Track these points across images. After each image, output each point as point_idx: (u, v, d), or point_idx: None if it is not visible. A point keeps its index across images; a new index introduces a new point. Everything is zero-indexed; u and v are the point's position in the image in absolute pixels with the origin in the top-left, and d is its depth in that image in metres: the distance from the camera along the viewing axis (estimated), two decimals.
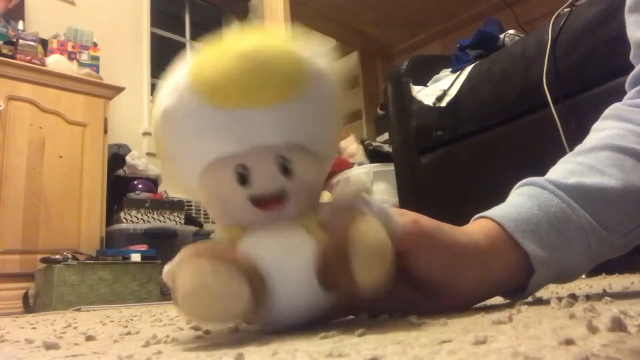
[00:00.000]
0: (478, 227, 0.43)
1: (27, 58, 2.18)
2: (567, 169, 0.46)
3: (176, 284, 0.32)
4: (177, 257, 0.36)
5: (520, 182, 0.48)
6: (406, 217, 0.39)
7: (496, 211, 0.44)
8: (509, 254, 0.41)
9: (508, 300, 0.49)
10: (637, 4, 0.55)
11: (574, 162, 0.47)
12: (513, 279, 0.43)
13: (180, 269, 0.32)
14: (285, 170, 0.34)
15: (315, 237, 0.34)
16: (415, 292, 0.40)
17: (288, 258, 0.34)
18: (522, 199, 0.44)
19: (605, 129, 0.49)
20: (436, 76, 1.61)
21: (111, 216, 2.29)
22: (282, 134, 0.35)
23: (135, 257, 1.97)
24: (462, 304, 0.42)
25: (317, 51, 0.38)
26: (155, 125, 0.38)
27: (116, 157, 2.42)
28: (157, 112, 0.37)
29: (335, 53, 0.40)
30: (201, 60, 0.35)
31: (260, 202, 0.34)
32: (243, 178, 0.34)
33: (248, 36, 0.36)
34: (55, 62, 2.27)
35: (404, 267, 0.38)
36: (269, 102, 0.34)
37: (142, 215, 2.29)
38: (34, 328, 0.70)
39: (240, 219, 0.36)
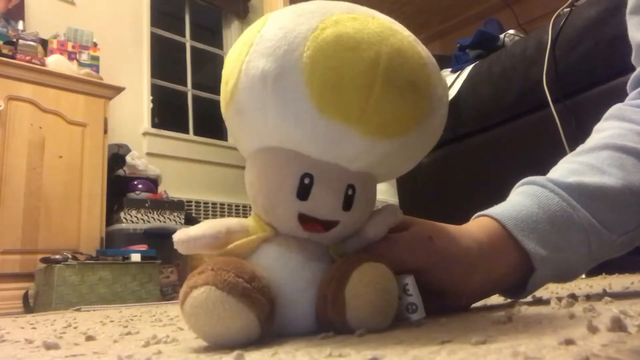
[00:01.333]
0: (479, 226, 0.43)
1: (27, 58, 2.18)
2: (567, 169, 0.46)
3: (185, 299, 0.29)
4: (201, 232, 0.32)
5: (520, 182, 0.48)
6: (421, 232, 0.38)
7: (496, 210, 0.44)
8: (509, 253, 0.41)
9: (508, 300, 0.49)
10: (638, 6, 0.55)
11: (574, 161, 0.47)
12: (513, 277, 0.43)
13: (194, 282, 0.29)
14: (349, 201, 0.32)
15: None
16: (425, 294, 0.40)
17: (309, 292, 0.32)
18: (522, 198, 0.44)
19: (607, 129, 0.49)
20: None
21: (111, 216, 2.29)
22: (369, 165, 0.32)
23: (135, 257, 1.97)
24: (464, 304, 0.42)
25: (438, 72, 0.33)
26: (239, 80, 0.31)
27: (116, 157, 2.42)
28: (249, 69, 0.30)
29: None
30: (325, 39, 0.29)
31: (307, 221, 0.32)
32: (304, 190, 0.31)
33: (385, 32, 0.30)
34: (55, 62, 2.27)
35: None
36: (381, 135, 0.30)
37: (142, 215, 2.29)
38: (34, 328, 0.70)
39: (278, 224, 0.33)
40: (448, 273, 0.38)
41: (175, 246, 0.33)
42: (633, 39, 0.55)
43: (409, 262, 0.36)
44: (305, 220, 0.31)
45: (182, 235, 0.32)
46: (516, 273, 0.42)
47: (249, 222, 0.34)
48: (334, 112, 0.29)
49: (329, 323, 0.31)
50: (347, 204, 0.32)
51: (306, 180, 0.31)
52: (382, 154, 0.32)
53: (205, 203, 2.99)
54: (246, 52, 0.31)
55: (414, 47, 0.32)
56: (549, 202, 0.43)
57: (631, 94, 0.53)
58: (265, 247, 0.33)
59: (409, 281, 0.35)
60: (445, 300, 0.40)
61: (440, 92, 0.33)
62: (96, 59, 2.49)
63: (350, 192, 0.32)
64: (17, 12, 2.44)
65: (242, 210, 3.12)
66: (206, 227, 0.33)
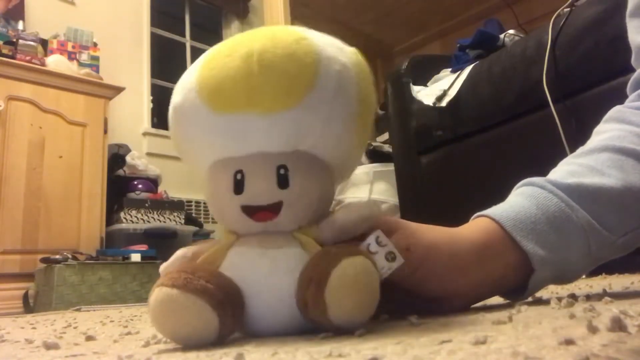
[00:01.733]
0: (476, 227, 0.43)
1: (27, 58, 2.18)
2: (566, 170, 0.46)
3: (150, 301, 0.31)
4: (170, 261, 0.37)
5: (519, 183, 0.48)
6: (398, 243, 0.36)
7: (495, 210, 0.43)
8: (508, 254, 0.41)
9: (508, 301, 0.49)
10: (638, 9, 0.55)
11: (573, 163, 0.47)
12: (512, 278, 0.43)
13: (156, 286, 0.31)
14: (283, 179, 0.33)
15: (310, 252, 0.33)
16: (415, 299, 0.40)
17: (271, 280, 0.32)
18: (520, 199, 0.44)
19: (606, 131, 0.49)
20: (436, 76, 1.61)
21: (111, 216, 2.29)
22: (285, 141, 0.34)
23: (135, 257, 1.97)
24: (463, 305, 0.42)
25: (334, 48, 0.35)
26: (169, 118, 0.38)
27: (116, 157, 2.41)
28: (170, 107, 0.37)
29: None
30: (209, 59, 0.35)
31: (254, 212, 0.33)
32: (238, 185, 0.33)
33: (260, 34, 0.35)
34: (55, 62, 2.27)
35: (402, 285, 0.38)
36: (271, 109, 0.33)
37: (142, 215, 2.29)
38: (34, 328, 0.70)
39: (234, 226, 0.35)
40: (429, 281, 0.38)
41: None
42: (633, 42, 0.55)
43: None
44: (250, 211, 0.33)
45: (161, 269, 0.37)
46: (515, 274, 0.42)
47: (220, 238, 0.37)
48: (225, 106, 0.33)
49: (313, 322, 0.31)
50: (282, 182, 0.33)
51: (238, 176, 0.34)
52: (291, 125, 0.33)
53: (205, 203, 2.98)
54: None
55: (290, 30, 0.35)
56: (548, 202, 0.43)
57: (631, 96, 0.53)
58: (230, 252, 0.35)
59: (380, 234, 0.35)
60: (441, 305, 0.40)
61: (329, 52, 0.34)
62: (96, 59, 2.49)
63: (282, 172, 0.33)
64: (17, 12, 2.44)
65: None
66: (174, 255, 0.38)
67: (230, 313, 0.31)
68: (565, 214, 0.42)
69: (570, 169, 0.46)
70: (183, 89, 0.36)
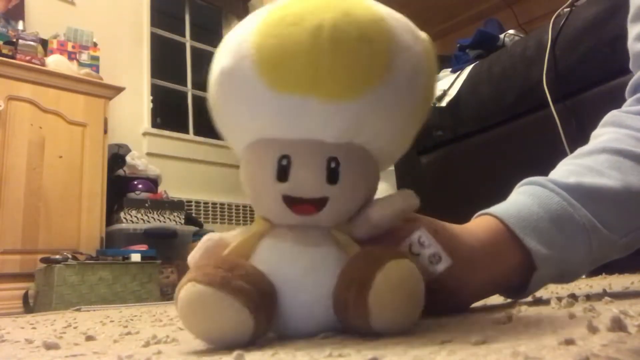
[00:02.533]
0: (481, 225, 0.43)
1: (27, 58, 2.18)
2: (566, 170, 0.46)
3: (180, 296, 0.29)
4: (198, 250, 0.34)
5: (521, 182, 0.48)
6: (426, 225, 0.37)
7: (497, 208, 0.44)
8: (511, 252, 0.41)
9: (508, 300, 0.49)
10: (638, 14, 0.55)
11: (573, 163, 0.47)
12: (514, 276, 0.43)
13: (187, 280, 0.29)
14: (333, 174, 0.30)
15: (347, 252, 0.31)
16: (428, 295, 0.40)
17: (308, 280, 0.30)
18: (522, 197, 0.44)
19: (604, 134, 0.50)
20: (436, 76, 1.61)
21: (111, 216, 2.29)
22: (344, 132, 0.31)
23: (135, 257, 1.97)
24: (467, 303, 0.42)
25: (410, 35, 0.32)
26: (210, 80, 0.34)
27: (116, 157, 2.41)
28: (214, 68, 0.33)
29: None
30: (271, 24, 0.30)
31: (295, 204, 0.31)
32: (283, 172, 0.30)
33: (332, 3, 0.30)
34: (55, 62, 2.27)
35: None
36: (337, 96, 0.29)
37: (142, 215, 2.29)
38: (34, 328, 0.70)
39: (270, 215, 0.33)
40: (451, 269, 0.38)
41: None
42: (631, 49, 0.55)
43: None
44: (292, 202, 0.31)
45: (190, 259, 0.35)
46: (517, 272, 0.42)
47: (252, 225, 0.34)
48: (286, 85, 0.29)
49: (351, 326, 0.30)
50: (332, 177, 0.30)
51: (284, 162, 0.31)
52: (353, 117, 0.30)
53: (205, 203, 2.99)
54: (214, 60, 0.34)
55: (367, 6, 0.31)
56: (550, 201, 0.43)
57: (628, 101, 0.53)
58: (262, 242, 0.32)
59: (422, 233, 0.33)
60: (445, 299, 0.40)
61: (403, 41, 0.31)
62: (96, 59, 2.49)
63: (333, 165, 0.30)
64: (17, 12, 2.44)
65: (242, 210, 3.12)
66: (201, 242, 0.35)
67: (265, 315, 0.29)
68: (567, 213, 0.42)
69: (570, 169, 0.46)
70: (236, 52, 0.31)
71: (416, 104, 0.33)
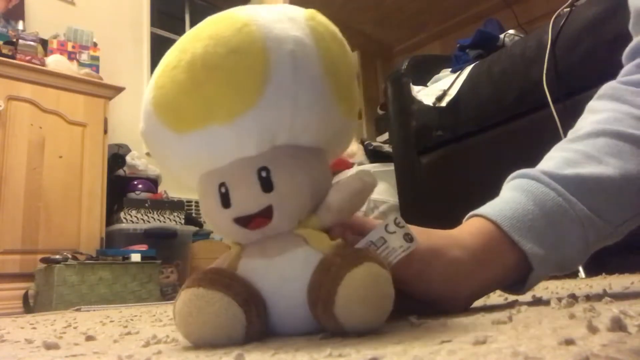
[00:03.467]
0: (474, 229, 0.42)
1: (27, 58, 2.18)
2: (563, 158, 0.45)
3: (176, 304, 0.31)
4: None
5: (513, 174, 0.46)
6: None
7: (491, 209, 0.43)
8: (507, 254, 0.41)
9: (508, 300, 0.49)
10: None
11: (570, 149, 0.46)
12: (511, 276, 0.42)
13: (181, 290, 0.31)
14: (266, 183, 0.31)
15: (316, 246, 0.32)
16: (416, 302, 0.40)
17: (282, 290, 0.32)
18: (516, 194, 0.43)
19: (602, 110, 0.48)
20: (436, 76, 1.61)
21: (111, 216, 2.29)
22: (258, 142, 0.32)
23: (135, 257, 1.97)
24: (463, 306, 0.42)
25: (284, 23, 0.31)
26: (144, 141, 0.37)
27: (116, 157, 2.41)
28: (140, 130, 0.36)
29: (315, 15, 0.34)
30: (159, 75, 0.33)
31: (247, 222, 0.32)
32: (225, 198, 0.32)
33: (204, 31, 0.32)
34: (55, 62, 2.27)
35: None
36: (231, 115, 0.30)
37: (142, 215, 2.29)
38: (34, 328, 0.70)
39: (234, 238, 0.35)
40: (431, 286, 0.38)
41: None
42: (632, 5, 0.52)
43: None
44: (243, 222, 0.32)
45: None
46: (513, 273, 0.42)
47: (231, 250, 0.36)
48: (185, 125, 0.31)
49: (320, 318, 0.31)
50: (266, 186, 0.31)
51: (222, 190, 0.32)
52: (258, 126, 0.31)
53: None
54: None
55: (230, 18, 0.32)
56: (545, 197, 0.42)
57: (627, 67, 0.51)
58: (240, 264, 0.34)
59: (398, 215, 0.35)
60: (442, 306, 0.40)
61: (279, 33, 0.31)
62: (96, 59, 2.49)
63: (264, 174, 0.31)
64: (17, 12, 2.44)
65: None
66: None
67: (256, 312, 0.30)
68: (563, 209, 0.41)
69: (567, 157, 0.45)
70: (144, 113, 0.34)
71: (318, 86, 0.32)
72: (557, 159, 0.45)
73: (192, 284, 0.30)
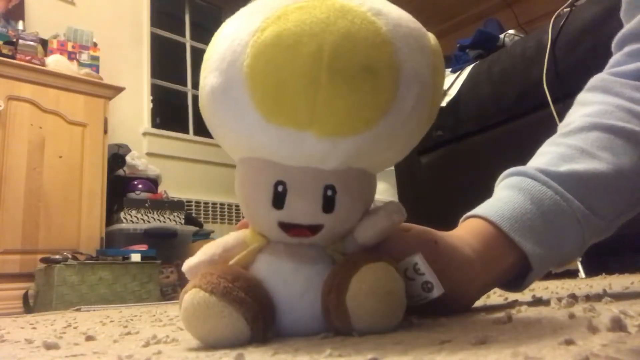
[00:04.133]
0: (474, 232, 0.42)
1: (27, 58, 2.18)
2: (557, 154, 0.45)
3: (184, 300, 0.30)
4: (197, 260, 0.34)
5: (506, 172, 0.46)
6: (426, 235, 0.37)
7: (489, 210, 0.42)
8: (508, 255, 0.41)
9: (508, 300, 0.49)
10: None
11: (563, 144, 0.46)
12: (509, 275, 0.43)
13: (191, 286, 0.30)
14: (329, 203, 0.30)
15: None
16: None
17: (305, 299, 0.31)
18: (513, 193, 0.43)
19: (592, 103, 0.48)
20: None
21: (111, 216, 2.29)
22: (342, 162, 0.30)
23: (135, 257, 1.97)
24: (465, 306, 0.42)
25: (418, 54, 0.29)
26: (200, 90, 0.32)
27: (116, 157, 2.41)
28: (205, 81, 0.30)
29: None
30: (265, 42, 0.27)
31: (291, 229, 0.31)
32: (278, 199, 0.30)
33: (332, 21, 0.27)
34: (55, 62, 2.27)
35: None
36: (335, 133, 0.28)
37: (142, 215, 2.29)
38: (34, 328, 0.70)
39: (266, 234, 0.33)
40: (450, 281, 0.37)
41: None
42: None
43: None
44: (287, 227, 0.31)
45: (185, 267, 0.34)
46: (512, 271, 0.42)
47: (247, 234, 0.35)
48: (282, 120, 0.27)
49: (336, 330, 0.31)
50: (328, 206, 0.30)
51: (279, 188, 0.30)
52: (353, 151, 0.29)
53: (205, 203, 2.99)
54: (204, 66, 0.31)
55: (369, 24, 0.27)
56: (542, 196, 0.42)
57: (616, 56, 0.50)
58: (260, 258, 0.33)
59: (418, 260, 0.33)
60: (446, 306, 0.40)
61: (410, 67, 0.28)
62: (96, 59, 2.49)
63: (329, 193, 0.30)
64: (17, 12, 2.44)
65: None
66: (201, 252, 0.34)
67: (263, 327, 0.30)
68: (560, 208, 0.42)
69: (560, 152, 0.45)
70: (227, 71, 0.28)
71: (423, 124, 0.32)
72: (551, 154, 0.45)
73: (205, 285, 0.29)
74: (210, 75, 0.30)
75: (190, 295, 0.29)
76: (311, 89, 0.26)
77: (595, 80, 0.50)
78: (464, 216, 0.45)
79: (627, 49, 0.50)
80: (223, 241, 0.35)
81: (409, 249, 0.35)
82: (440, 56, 0.32)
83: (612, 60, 0.51)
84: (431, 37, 0.32)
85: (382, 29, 0.28)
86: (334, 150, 0.29)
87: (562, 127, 0.48)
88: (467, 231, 0.42)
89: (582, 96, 0.50)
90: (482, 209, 0.43)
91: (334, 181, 0.30)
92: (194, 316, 0.29)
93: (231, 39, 0.29)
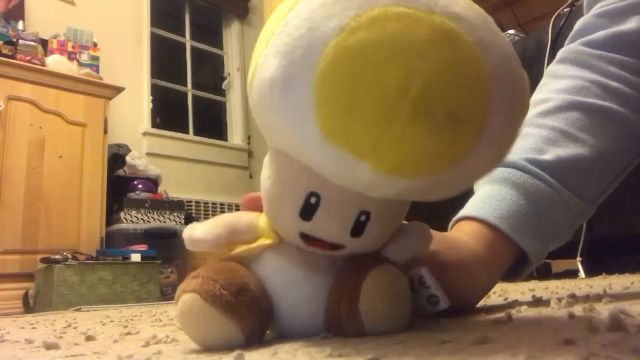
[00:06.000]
0: (477, 237, 0.41)
1: (27, 58, 2.18)
2: (540, 137, 0.44)
3: (177, 300, 0.30)
4: (201, 233, 0.32)
5: None
6: (436, 258, 0.36)
7: (486, 210, 0.42)
8: (507, 253, 0.42)
9: (508, 300, 0.49)
10: None
11: (544, 126, 0.45)
12: (508, 268, 0.43)
13: (189, 288, 0.29)
14: (359, 228, 0.28)
15: None
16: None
17: (311, 307, 0.31)
18: (504, 189, 0.43)
19: (566, 77, 0.48)
20: None
21: (111, 216, 2.29)
22: (390, 196, 0.27)
23: (135, 257, 1.97)
24: (465, 308, 0.42)
25: (509, 86, 0.25)
26: (252, 74, 0.26)
27: (116, 157, 2.41)
28: (261, 66, 0.25)
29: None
30: (348, 47, 0.22)
31: (311, 240, 0.29)
32: (308, 210, 0.28)
33: (433, 45, 0.22)
34: (55, 62, 2.27)
35: None
36: (398, 175, 0.24)
37: (142, 215, 2.29)
38: (34, 328, 0.70)
39: (283, 235, 0.31)
40: (456, 295, 0.36)
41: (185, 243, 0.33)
42: None
43: None
44: (308, 239, 0.30)
45: (186, 235, 0.32)
46: (509, 266, 0.43)
47: (260, 222, 0.33)
48: (342, 142, 0.23)
49: (340, 327, 0.30)
50: (357, 230, 0.29)
51: (312, 200, 0.28)
52: (405, 191, 0.26)
53: (205, 203, 2.99)
54: (266, 41, 0.25)
55: (472, 62, 0.23)
56: (535, 190, 0.42)
57: (587, 16, 0.50)
58: (268, 255, 0.32)
59: (424, 273, 0.33)
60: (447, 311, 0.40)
61: (498, 122, 0.24)
62: (96, 59, 2.49)
63: (363, 219, 0.28)
64: (17, 12, 2.44)
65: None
66: (208, 229, 0.32)
67: (259, 336, 0.30)
68: (553, 199, 0.43)
69: (544, 135, 0.44)
70: (295, 63, 0.23)
71: (488, 172, 0.28)
72: (533, 137, 0.45)
73: (202, 291, 0.28)
74: (274, 58, 0.24)
75: (189, 300, 0.28)
76: (385, 121, 0.22)
77: (567, 51, 0.50)
78: (459, 216, 0.44)
79: (595, 10, 0.49)
80: (233, 222, 0.32)
81: (416, 263, 0.34)
82: (527, 106, 0.28)
83: (581, 23, 0.51)
84: (526, 80, 0.28)
85: (485, 71, 0.23)
86: (386, 185, 0.25)
87: (538, 102, 0.47)
88: (469, 235, 0.42)
89: (554, 68, 0.50)
90: (478, 208, 0.43)
91: (371, 207, 0.28)
92: (191, 321, 0.29)
93: (310, 25, 0.23)
